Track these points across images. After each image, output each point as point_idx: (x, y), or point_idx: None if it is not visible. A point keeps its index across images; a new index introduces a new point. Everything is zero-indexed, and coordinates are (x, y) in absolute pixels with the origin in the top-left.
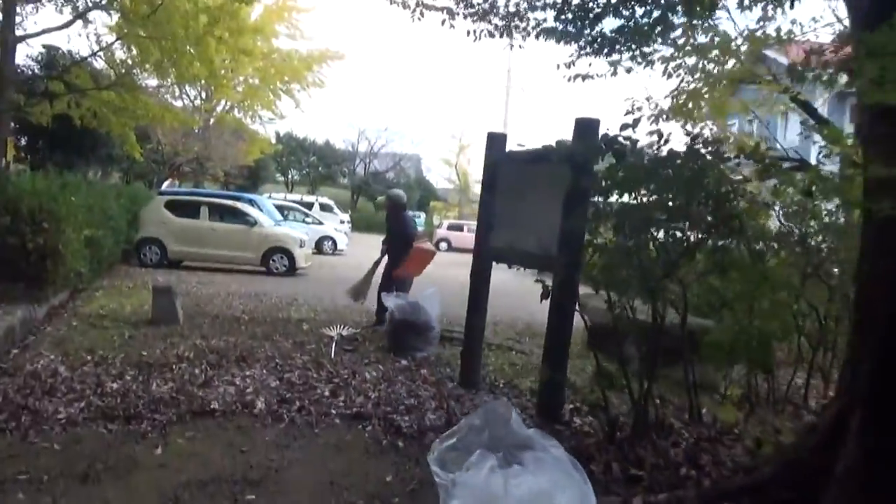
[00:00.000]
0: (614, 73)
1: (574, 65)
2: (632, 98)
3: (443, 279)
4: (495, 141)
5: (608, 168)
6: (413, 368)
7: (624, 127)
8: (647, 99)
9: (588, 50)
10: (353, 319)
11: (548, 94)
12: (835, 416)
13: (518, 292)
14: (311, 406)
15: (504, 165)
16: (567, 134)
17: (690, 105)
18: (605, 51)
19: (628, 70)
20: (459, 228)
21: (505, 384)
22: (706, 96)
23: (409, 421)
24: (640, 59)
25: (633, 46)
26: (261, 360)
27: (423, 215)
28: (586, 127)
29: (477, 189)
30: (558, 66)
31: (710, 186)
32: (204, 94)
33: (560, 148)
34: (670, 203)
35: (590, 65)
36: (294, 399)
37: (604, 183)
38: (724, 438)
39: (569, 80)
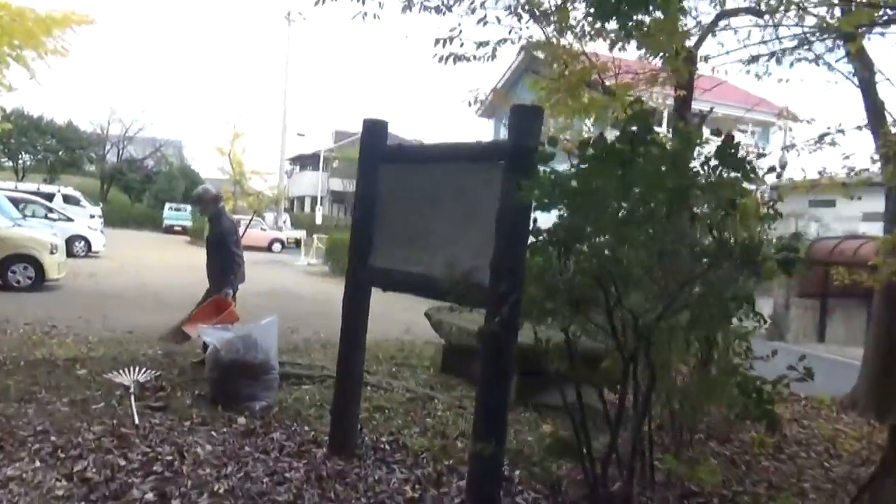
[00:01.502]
0: (493, 57)
1: (451, 41)
2: (476, 89)
3: None
4: (374, 130)
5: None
6: (259, 430)
7: (635, 120)
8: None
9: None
10: (146, 354)
11: (334, 81)
12: None
13: (320, 297)
14: None
15: (394, 163)
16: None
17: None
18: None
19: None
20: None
21: (390, 444)
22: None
23: None
24: (627, 33)
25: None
26: (28, 443)
27: (188, 208)
28: (525, 116)
29: (254, 182)
30: (436, 43)
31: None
32: None
33: (496, 144)
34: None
35: (461, 45)
36: None
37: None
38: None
39: (441, 59)
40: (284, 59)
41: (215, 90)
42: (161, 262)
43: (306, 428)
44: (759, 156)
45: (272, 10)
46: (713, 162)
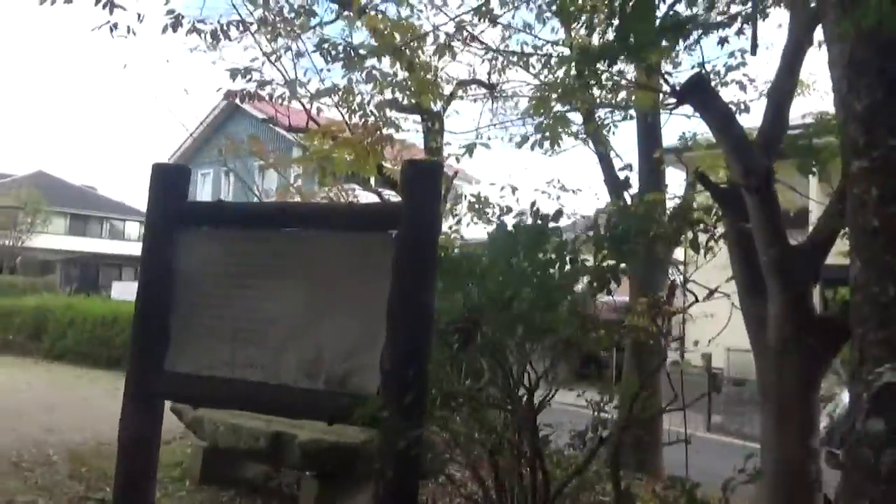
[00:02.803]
0: (291, 99)
1: (250, 75)
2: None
3: None
4: (169, 180)
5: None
6: None
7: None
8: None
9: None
10: None
11: None
12: None
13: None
14: None
15: (205, 226)
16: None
17: None
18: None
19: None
20: None
21: None
22: None
23: None
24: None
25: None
26: None
27: None
28: (423, 175)
29: None
30: (232, 76)
31: None
32: None
33: (384, 209)
34: None
35: (249, 79)
36: None
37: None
38: None
39: (232, 96)
40: None
41: None
42: None
43: None
44: None
45: None
46: None
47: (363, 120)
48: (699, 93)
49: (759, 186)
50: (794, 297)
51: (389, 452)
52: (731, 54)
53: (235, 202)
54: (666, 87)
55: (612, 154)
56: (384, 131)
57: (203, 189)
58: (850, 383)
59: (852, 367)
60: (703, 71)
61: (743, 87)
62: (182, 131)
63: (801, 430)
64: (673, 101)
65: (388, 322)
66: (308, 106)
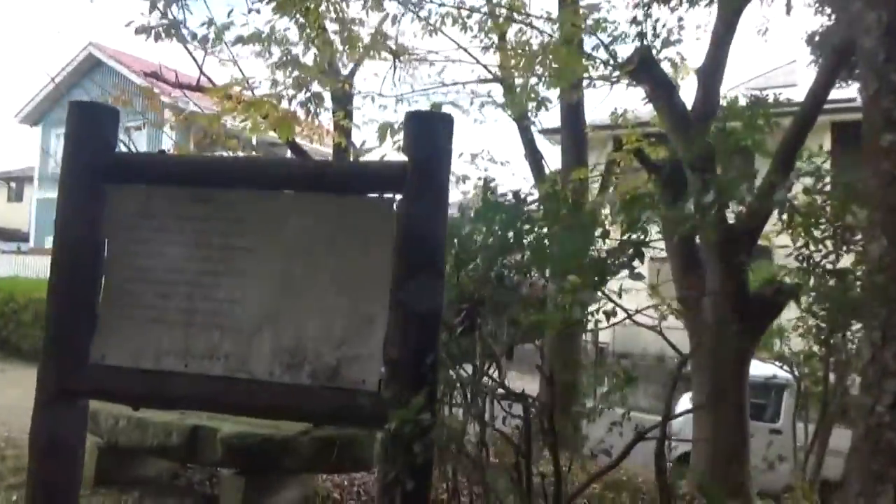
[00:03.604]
0: (218, 41)
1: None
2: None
3: None
4: (92, 122)
5: None
6: None
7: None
8: None
9: None
10: None
11: None
12: None
13: None
14: None
15: (141, 183)
16: None
17: None
18: None
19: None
20: None
21: None
22: None
23: None
24: None
25: None
26: None
27: None
28: (431, 127)
29: None
30: (152, 7)
31: None
32: None
33: (384, 167)
34: None
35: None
36: None
37: None
38: None
39: (145, 32)
40: None
41: None
42: None
43: None
44: None
45: None
46: None
47: (289, 76)
48: (645, 64)
49: (704, 164)
50: (731, 275)
51: (407, 459)
52: (669, 31)
53: (183, 154)
54: (604, 57)
55: (535, 130)
56: (313, 88)
57: (58, 151)
58: (869, 364)
59: (873, 349)
60: (645, 43)
61: (675, 66)
62: (30, 86)
63: (735, 403)
64: (613, 75)
65: (396, 302)
66: (201, 62)
